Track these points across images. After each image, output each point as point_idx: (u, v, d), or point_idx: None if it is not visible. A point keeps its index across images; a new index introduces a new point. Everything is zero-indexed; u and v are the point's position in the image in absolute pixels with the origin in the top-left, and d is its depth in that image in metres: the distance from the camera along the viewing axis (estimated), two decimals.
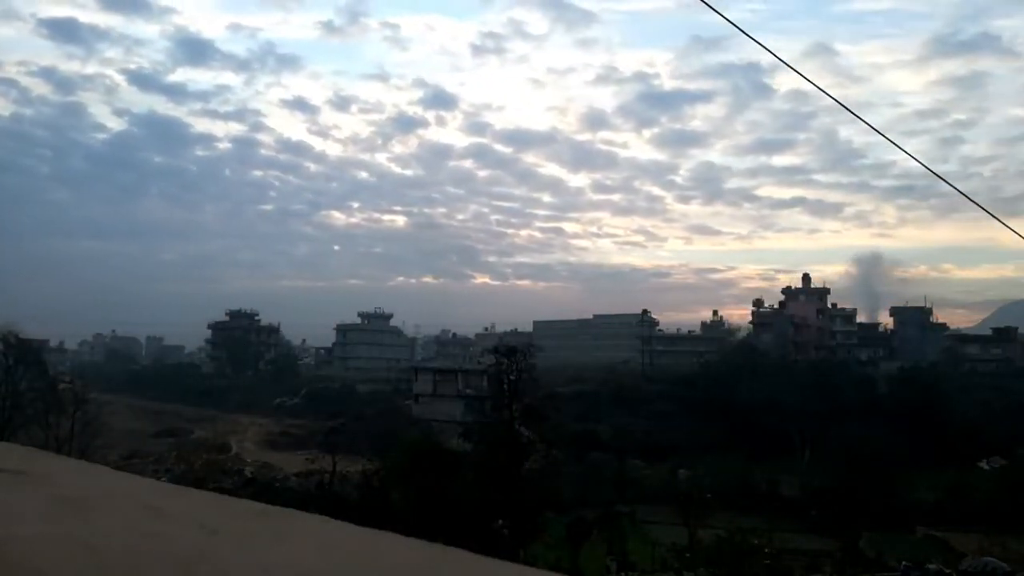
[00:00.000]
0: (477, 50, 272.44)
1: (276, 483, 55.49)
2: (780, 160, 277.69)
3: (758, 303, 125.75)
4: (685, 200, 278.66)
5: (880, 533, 47.82)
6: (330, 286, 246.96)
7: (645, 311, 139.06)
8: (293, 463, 62.06)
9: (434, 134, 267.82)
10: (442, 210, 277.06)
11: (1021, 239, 8.19)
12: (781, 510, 53.19)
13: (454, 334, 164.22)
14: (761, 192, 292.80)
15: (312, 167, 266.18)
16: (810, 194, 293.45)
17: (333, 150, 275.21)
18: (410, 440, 46.54)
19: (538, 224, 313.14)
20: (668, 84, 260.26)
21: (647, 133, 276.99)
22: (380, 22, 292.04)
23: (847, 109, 8.44)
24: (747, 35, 7.33)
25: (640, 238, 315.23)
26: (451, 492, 37.99)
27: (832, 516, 48.87)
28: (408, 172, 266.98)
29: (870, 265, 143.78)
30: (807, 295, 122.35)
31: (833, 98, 8.59)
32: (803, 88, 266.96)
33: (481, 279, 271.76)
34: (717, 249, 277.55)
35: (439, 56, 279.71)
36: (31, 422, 49.07)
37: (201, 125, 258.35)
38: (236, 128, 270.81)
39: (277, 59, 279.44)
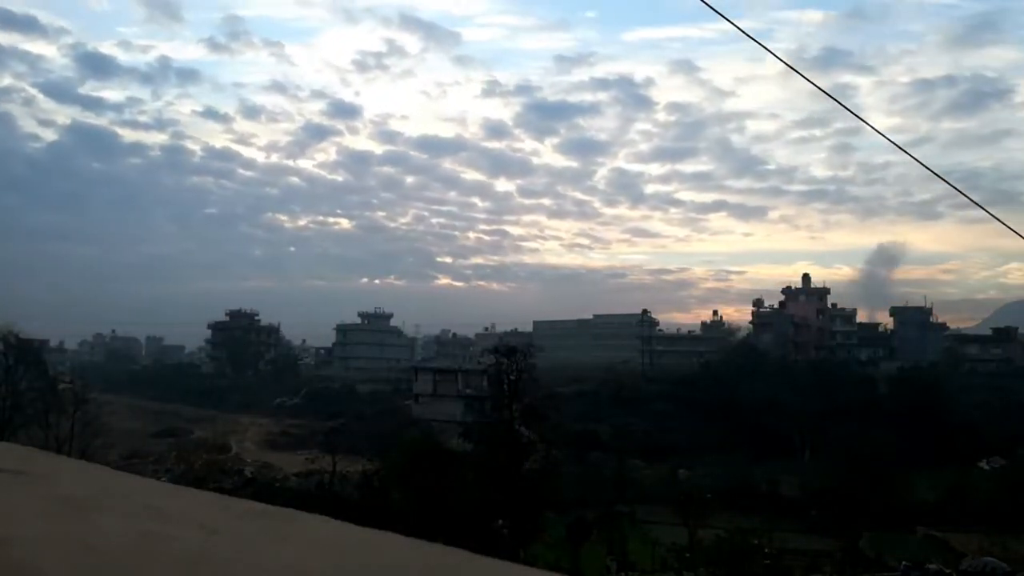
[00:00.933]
0: (361, 66, 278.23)
1: (276, 483, 55.55)
2: (687, 167, 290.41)
3: (758, 303, 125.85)
4: (612, 204, 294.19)
5: (880, 533, 47.86)
6: (292, 287, 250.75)
7: (645, 311, 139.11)
8: (293, 463, 62.12)
9: (349, 142, 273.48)
10: (381, 214, 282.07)
11: (1022, 238, 8.18)
12: (781, 510, 53.20)
13: (454, 334, 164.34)
14: (683, 196, 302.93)
15: (245, 173, 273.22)
16: (730, 198, 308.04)
17: (259, 157, 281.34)
18: (410, 440, 46.58)
19: (482, 227, 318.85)
20: (552, 97, 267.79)
21: (550, 142, 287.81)
22: (262, 39, 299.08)
23: (849, 110, 8.44)
24: (750, 37, 7.34)
25: (585, 240, 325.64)
26: (451, 492, 38.00)
27: (832, 516, 48.89)
28: (338, 178, 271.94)
29: (882, 263, 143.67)
30: (807, 295, 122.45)
31: (835, 99, 8.59)
32: (681, 101, 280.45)
33: (444, 280, 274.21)
34: (661, 251, 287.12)
35: (327, 71, 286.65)
36: (31, 422, 49.11)
37: (128, 135, 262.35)
38: (161, 137, 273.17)
39: (177, 73, 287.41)
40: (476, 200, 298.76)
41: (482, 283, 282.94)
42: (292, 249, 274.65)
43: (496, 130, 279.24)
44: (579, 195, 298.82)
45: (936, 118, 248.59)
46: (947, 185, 8.46)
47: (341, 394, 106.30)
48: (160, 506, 2.42)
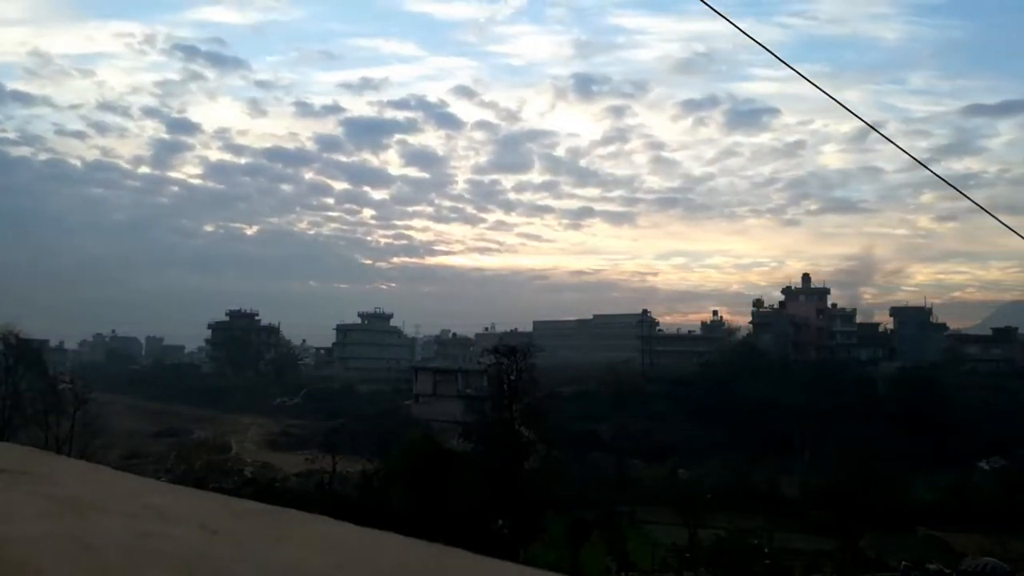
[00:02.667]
0: (168, 85, 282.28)
1: (276, 483, 55.46)
2: (532, 177, 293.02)
3: (758, 303, 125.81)
4: (487, 211, 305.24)
5: (880, 533, 47.83)
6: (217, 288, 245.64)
7: (645, 311, 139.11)
8: (293, 463, 62.09)
9: (208, 154, 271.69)
10: (275, 220, 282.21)
11: (1021, 238, 8.19)
12: (781, 510, 53.16)
13: (454, 334, 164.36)
14: (553, 204, 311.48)
15: (131, 183, 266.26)
16: (596, 206, 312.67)
17: (136, 167, 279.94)
18: (410, 440, 46.53)
19: (391, 232, 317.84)
20: (366, 113, 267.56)
21: (392, 153, 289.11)
22: (61, 54, 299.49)
23: (852, 112, 8.45)
24: (749, 36, 7.34)
25: (490, 244, 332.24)
26: (451, 492, 37.98)
27: (832, 516, 48.80)
28: (221, 186, 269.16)
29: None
30: (807, 295, 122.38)
31: (837, 100, 8.60)
32: (484, 119, 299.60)
33: (385, 284, 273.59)
34: (562, 253, 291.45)
35: (140, 94, 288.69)
36: (31, 422, 49.10)
37: (9, 151, 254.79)
38: (28, 150, 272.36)
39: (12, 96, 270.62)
40: (366, 210, 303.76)
41: (427, 288, 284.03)
42: (218, 253, 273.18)
43: (332, 144, 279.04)
44: (449, 203, 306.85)
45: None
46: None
47: (341, 394, 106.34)
48: (160, 506, 2.42)
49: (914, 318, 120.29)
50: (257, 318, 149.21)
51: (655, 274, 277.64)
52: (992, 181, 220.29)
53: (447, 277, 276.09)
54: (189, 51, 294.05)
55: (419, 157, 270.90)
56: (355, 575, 1.98)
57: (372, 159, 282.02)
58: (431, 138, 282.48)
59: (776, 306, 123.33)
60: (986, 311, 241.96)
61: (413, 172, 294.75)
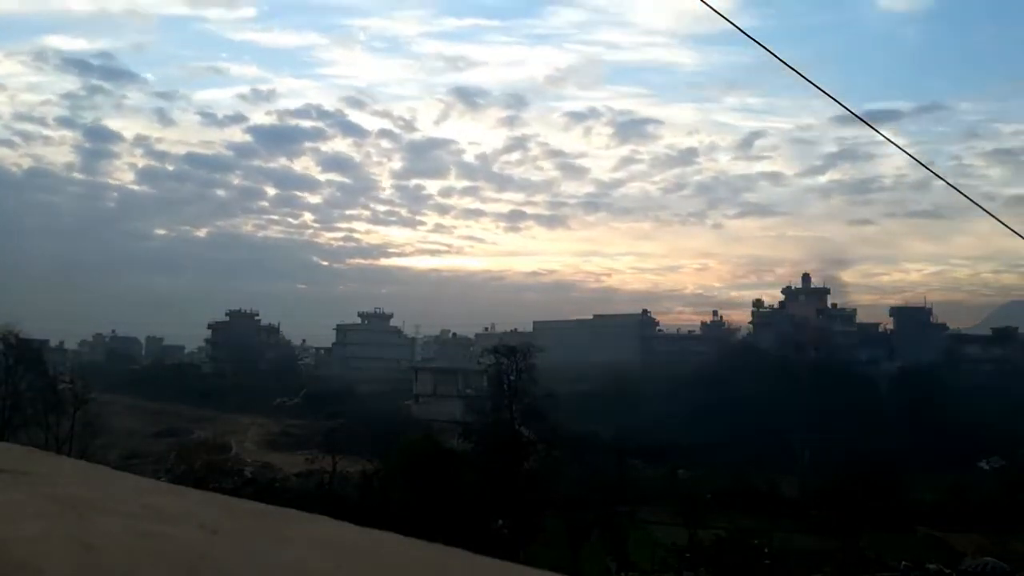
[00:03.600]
0: (74, 97, 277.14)
1: (276, 483, 55.49)
2: (453, 183, 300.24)
3: (758, 303, 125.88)
4: (422, 214, 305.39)
5: (880, 533, 47.87)
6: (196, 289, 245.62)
7: (645, 311, 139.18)
8: (293, 463, 62.14)
9: (135, 161, 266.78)
10: (221, 223, 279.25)
11: (1021, 238, 8.19)
12: (781, 510, 53.21)
13: (454, 334, 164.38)
14: (485, 208, 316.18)
15: (73, 189, 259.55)
16: (528, 210, 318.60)
17: (69, 173, 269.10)
18: (410, 440, 46.52)
19: (338, 234, 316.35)
20: (269, 122, 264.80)
21: (308, 160, 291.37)
22: None
23: (853, 113, 8.45)
24: (749, 36, 7.34)
25: (439, 247, 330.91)
26: (451, 492, 37.99)
27: (832, 516, 48.88)
28: (156, 191, 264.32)
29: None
30: (807, 295, 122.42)
31: (837, 102, 8.59)
32: (386, 127, 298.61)
33: (347, 286, 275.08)
34: (509, 255, 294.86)
35: (51, 106, 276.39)
36: (31, 422, 49.04)
37: None
38: None
39: None
40: (293, 210, 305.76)
41: (385, 290, 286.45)
42: (187, 254, 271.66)
43: (247, 151, 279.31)
44: (383, 207, 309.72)
45: None
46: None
47: (341, 394, 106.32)
48: (160, 506, 2.42)
49: (914, 318, 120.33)
50: (257, 318, 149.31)
51: (608, 275, 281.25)
52: (892, 186, 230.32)
53: (407, 279, 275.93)
54: (82, 66, 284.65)
55: (337, 163, 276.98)
56: (355, 575, 1.98)
57: (293, 165, 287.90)
58: (341, 145, 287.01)
59: (776, 306, 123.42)
60: (986, 311, 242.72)
61: (336, 177, 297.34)
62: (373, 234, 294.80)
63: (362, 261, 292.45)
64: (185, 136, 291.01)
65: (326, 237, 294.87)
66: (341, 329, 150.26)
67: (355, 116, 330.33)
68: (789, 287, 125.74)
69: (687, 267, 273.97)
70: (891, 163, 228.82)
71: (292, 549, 2.06)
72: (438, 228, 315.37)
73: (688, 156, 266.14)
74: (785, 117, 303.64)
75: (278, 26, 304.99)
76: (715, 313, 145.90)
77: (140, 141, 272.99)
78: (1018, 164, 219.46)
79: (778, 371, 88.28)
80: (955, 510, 52.55)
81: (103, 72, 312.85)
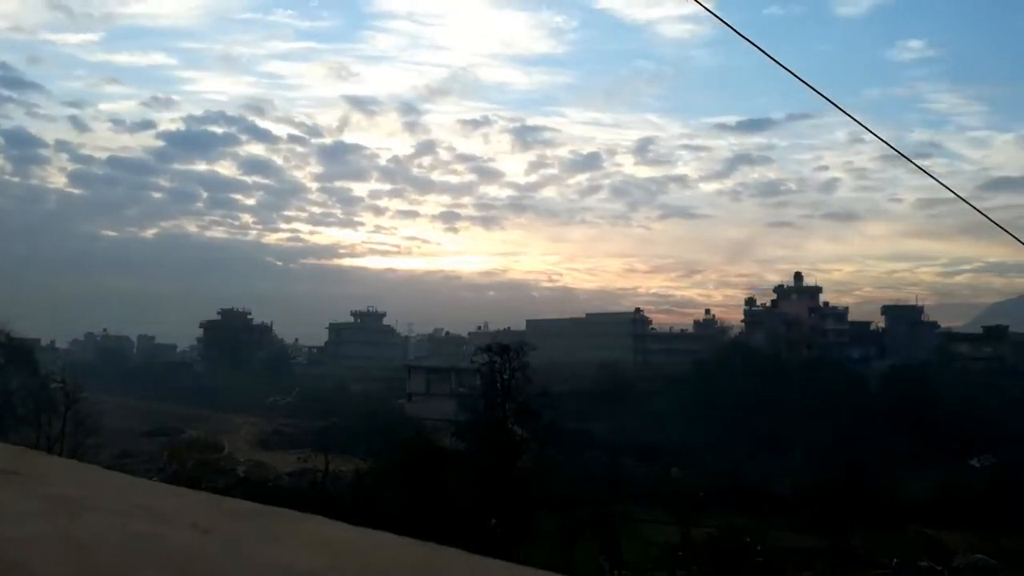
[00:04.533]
0: None
1: (269, 482, 55.37)
2: (378, 185, 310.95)
3: (750, 302, 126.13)
4: (358, 215, 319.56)
5: (872, 531, 48.02)
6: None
7: (638, 310, 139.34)
8: (286, 462, 61.99)
9: (65, 165, 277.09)
10: (166, 224, 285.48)
11: (1021, 243, 8.22)
12: (773, 508, 53.26)
13: (447, 333, 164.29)
14: (419, 209, 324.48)
15: (14, 191, 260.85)
16: (462, 212, 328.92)
17: (6, 177, 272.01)
18: (403, 439, 46.54)
19: (283, 235, 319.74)
20: (179, 128, 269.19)
21: (230, 163, 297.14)
22: None
23: (853, 117, 8.46)
24: (744, 37, 7.35)
25: (389, 248, 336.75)
26: (444, 491, 37.97)
27: (824, 514, 49.01)
28: (90, 193, 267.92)
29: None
30: (799, 294, 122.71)
31: (831, 102, 8.61)
32: (294, 133, 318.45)
33: (304, 285, 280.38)
34: (456, 255, 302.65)
35: None
36: (22, 421, 48.87)
37: None
38: None
39: None
40: (231, 211, 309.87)
41: (341, 289, 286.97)
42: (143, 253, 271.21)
43: (165, 155, 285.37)
44: (318, 209, 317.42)
45: None
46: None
47: (334, 393, 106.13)
48: (152, 506, 2.41)
49: (905, 316, 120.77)
50: (249, 317, 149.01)
51: (560, 275, 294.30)
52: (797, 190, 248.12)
53: (366, 279, 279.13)
54: None
55: (258, 167, 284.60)
56: (348, 574, 1.98)
57: (217, 169, 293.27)
58: (257, 149, 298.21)
59: (768, 304, 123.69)
60: (977, 309, 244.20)
61: (261, 180, 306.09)
62: (318, 235, 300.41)
63: (315, 261, 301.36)
64: (103, 142, 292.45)
65: (273, 238, 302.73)
66: (334, 328, 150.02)
67: (261, 122, 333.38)
68: (781, 286, 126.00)
69: (624, 267, 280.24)
70: (789, 168, 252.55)
71: (285, 548, 2.06)
72: (379, 229, 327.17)
73: (593, 161, 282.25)
74: (643, 128, 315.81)
75: (130, 48, 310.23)
76: (707, 311, 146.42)
77: (63, 146, 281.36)
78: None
79: (770, 369, 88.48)
80: (946, 508, 52.68)
81: (6, 82, 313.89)
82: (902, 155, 8.86)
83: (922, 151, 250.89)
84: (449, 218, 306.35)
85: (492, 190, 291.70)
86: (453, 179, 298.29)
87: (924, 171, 8.83)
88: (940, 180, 9.10)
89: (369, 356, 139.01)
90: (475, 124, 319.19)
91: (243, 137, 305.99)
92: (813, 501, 52.20)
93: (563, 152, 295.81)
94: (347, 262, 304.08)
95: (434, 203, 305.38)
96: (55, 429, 47.72)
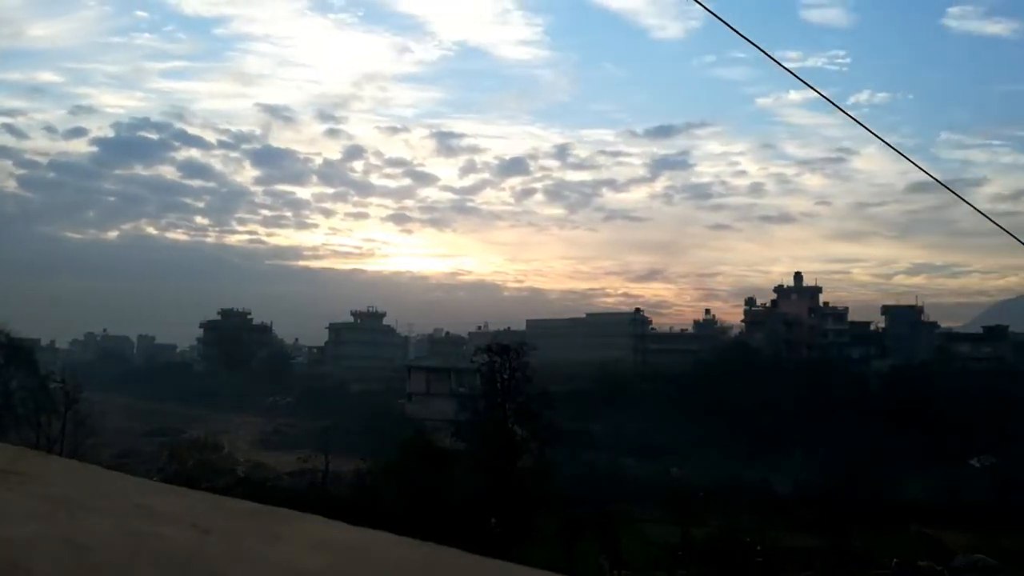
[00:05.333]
0: None
1: (268, 482, 55.36)
2: (319, 189, 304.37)
3: (750, 302, 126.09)
4: (310, 217, 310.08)
5: (872, 531, 48.04)
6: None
7: (638, 310, 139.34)
8: (286, 462, 62.01)
9: (10, 169, 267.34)
10: (128, 227, 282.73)
11: (1022, 243, 8.23)
12: (773, 508, 53.29)
13: (447, 333, 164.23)
14: (368, 212, 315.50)
15: None
16: (410, 214, 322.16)
17: None
18: (403, 439, 46.50)
19: (243, 237, 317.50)
20: (109, 135, 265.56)
21: (169, 167, 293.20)
22: None
23: (854, 118, 8.47)
24: (743, 36, 7.35)
25: (350, 249, 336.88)
26: (444, 491, 37.98)
27: (824, 514, 49.04)
28: (42, 197, 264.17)
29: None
30: (799, 294, 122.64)
31: (837, 105, 8.62)
32: (205, 137, 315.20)
33: (272, 287, 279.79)
34: (418, 256, 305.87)
35: None
36: (22, 422, 48.81)
37: None
38: None
39: None
40: (183, 215, 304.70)
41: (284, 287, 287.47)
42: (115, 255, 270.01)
43: (106, 160, 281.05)
44: (270, 212, 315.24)
45: None
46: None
47: (334, 393, 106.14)
48: (152, 506, 2.41)
49: (905, 316, 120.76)
50: (249, 317, 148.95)
51: (525, 276, 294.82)
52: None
53: (336, 279, 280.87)
54: None
55: (197, 171, 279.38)
56: (348, 574, 1.98)
57: (160, 173, 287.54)
58: (193, 154, 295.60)
59: (768, 304, 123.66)
60: (977, 309, 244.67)
61: (203, 183, 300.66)
62: (276, 236, 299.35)
63: (280, 262, 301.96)
64: (43, 147, 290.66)
65: (234, 239, 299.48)
66: (334, 328, 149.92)
67: (191, 129, 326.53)
68: (781, 286, 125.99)
69: (573, 269, 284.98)
70: (712, 172, 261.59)
71: (284, 548, 2.06)
72: (335, 231, 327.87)
73: (519, 165, 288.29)
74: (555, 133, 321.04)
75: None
76: (707, 311, 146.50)
77: (4, 152, 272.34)
78: None
79: (770, 369, 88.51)
80: (946, 508, 52.71)
81: None
82: (903, 156, 8.85)
83: (837, 157, 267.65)
84: (400, 220, 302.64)
85: (432, 193, 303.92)
86: (391, 183, 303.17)
87: (926, 173, 8.84)
88: (942, 182, 9.10)
89: (369, 356, 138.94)
90: (393, 130, 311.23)
91: (176, 143, 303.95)
92: (813, 501, 52.24)
93: (488, 157, 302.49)
94: (314, 263, 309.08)
95: (379, 206, 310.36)
96: (55, 429, 47.69)
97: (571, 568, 37.98)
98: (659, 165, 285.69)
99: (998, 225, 8.69)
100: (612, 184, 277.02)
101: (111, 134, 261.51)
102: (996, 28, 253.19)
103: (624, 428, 75.33)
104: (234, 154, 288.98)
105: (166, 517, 2.27)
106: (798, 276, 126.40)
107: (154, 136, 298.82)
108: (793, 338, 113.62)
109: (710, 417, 75.04)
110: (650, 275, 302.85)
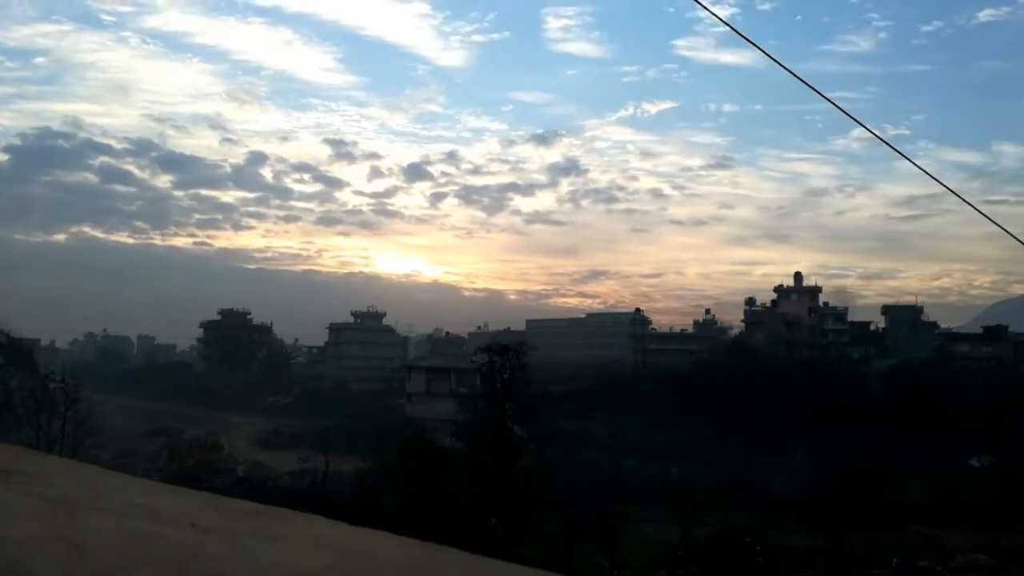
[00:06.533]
0: None
1: (268, 482, 55.44)
2: (240, 193, 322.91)
3: (750, 302, 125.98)
4: (241, 220, 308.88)
5: (872, 531, 48.02)
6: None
7: (638, 309, 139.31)
8: (285, 462, 62.02)
9: None
10: (75, 229, 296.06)
11: (1022, 243, 8.23)
12: (773, 508, 53.26)
13: (447, 333, 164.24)
14: (301, 215, 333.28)
15: None
16: (342, 218, 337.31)
17: None
18: (403, 439, 46.49)
19: (182, 240, 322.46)
20: (15, 143, 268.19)
21: (88, 173, 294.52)
22: None
23: (853, 118, 8.46)
24: (737, 32, 7.36)
25: (295, 250, 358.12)
26: (444, 491, 37.96)
27: (824, 514, 49.01)
28: None
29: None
30: (799, 294, 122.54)
31: (831, 102, 8.61)
32: (112, 144, 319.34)
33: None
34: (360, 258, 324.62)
35: None
36: (22, 421, 48.89)
37: None
38: None
39: None
40: (125, 219, 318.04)
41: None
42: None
43: (23, 167, 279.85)
44: (202, 216, 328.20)
45: None
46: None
47: (333, 393, 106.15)
48: (152, 505, 2.41)
49: (905, 316, 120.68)
50: (249, 317, 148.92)
51: (476, 277, 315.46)
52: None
53: (291, 282, 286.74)
54: None
55: (116, 176, 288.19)
56: (348, 574, 1.98)
57: (86, 178, 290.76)
58: (105, 160, 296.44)
59: (768, 304, 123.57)
60: (977, 309, 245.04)
61: (123, 188, 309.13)
62: (216, 239, 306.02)
63: (236, 264, 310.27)
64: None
65: (180, 242, 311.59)
66: (334, 328, 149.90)
67: (87, 134, 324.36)
68: (781, 286, 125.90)
69: (501, 270, 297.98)
70: (607, 177, 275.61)
71: (285, 548, 2.06)
72: (271, 233, 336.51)
73: (419, 171, 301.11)
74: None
75: None
76: (707, 311, 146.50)
77: None
78: None
79: (770, 369, 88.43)
80: (946, 507, 52.68)
81: None
82: (905, 157, 8.86)
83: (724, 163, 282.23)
84: (329, 222, 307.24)
85: (348, 197, 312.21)
86: (306, 188, 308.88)
87: (927, 173, 8.84)
88: (944, 183, 9.10)
89: (369, 356, 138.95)
90: (285, 136, 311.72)
91: (85, 151, 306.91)
92: (813, 501, 52.18)
93: (389, 162, 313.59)
94: (266, 266, 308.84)
95: (303, 208, 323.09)
96: (55, 429, 47.74)
97: (571, 568, 37.96)
98: (555, 171, 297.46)
99: (998, 225, 8.69)
100: (517, 188, 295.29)
101: (18, 143, 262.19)
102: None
103: (624, 428, 75.23)
104: (143, 161, 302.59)
105: (166, 517, 2.27)
106: (798, 276, 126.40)
107: (68, 144, 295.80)
108: (793, 338, 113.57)
109: (710, 417, 74.95)
110: (593, 276, 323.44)
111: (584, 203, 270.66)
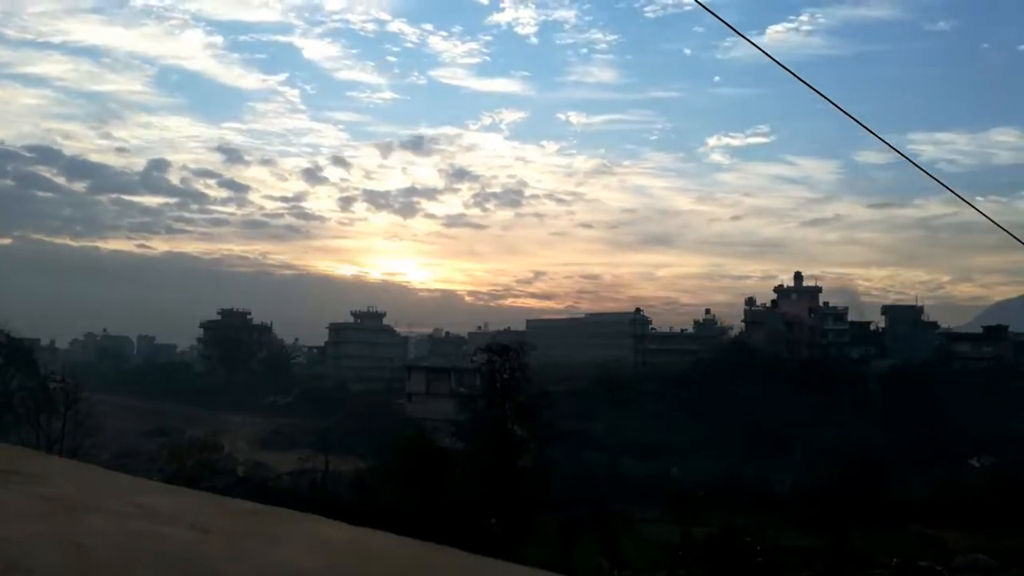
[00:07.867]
0: None
1: (268, 482, 55.43)
2: (179, 199, 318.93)
3: (750, 302, 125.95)
4: (191, 223, 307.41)
5: (872, 531, 48.00)
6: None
7: (638, 309, 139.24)
8: (285, 462, 61.97)
9: None
10: (38, 236, 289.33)
11: (1021, 243, 8.23)
12: (773, 507, 53.27)
13: (447, 333, 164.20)
14: (227, 217, 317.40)
15: None
16: (262, 219, 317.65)
17: None
18: (403, 439, 46.47)
19: (125, 243, 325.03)
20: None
21: (7, 180, 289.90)
22: None
23: (859, 121, 8.46)
24: (752, 43, 7.35)
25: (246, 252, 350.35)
26: (444, 491, 37.95)
27: (824, 514, 49.00)
28: None
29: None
30: (799, 294, 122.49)
31: (835, 104, 8.61)
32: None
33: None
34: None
35: None
36: (22, 421, 48.86)
37: None
38: None
39: None
40: (70, 224, 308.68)
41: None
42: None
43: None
44: (146, 219, 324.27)
45: None
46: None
47: (334, 393, 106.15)
48: (152, 505, 2.41)
49: (905, 316, 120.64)
50: (249, 317, 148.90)
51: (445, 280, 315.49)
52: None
53: (245, 282, 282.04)
54: None
55: (36, 182, 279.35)
56: (347, 574, 1.98)
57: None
58: (19, 167, 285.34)
59: (768, 304, 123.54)
60: (977, 310, 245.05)
61: (48, 195, 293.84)
62: (158, 241, 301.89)
63: (193, 266, 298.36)
64: None
65: (128, 245, 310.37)
66: (334, 328, 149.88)
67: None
68: (781, 285, 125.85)
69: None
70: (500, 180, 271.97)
71: (284, 548, 2.06)
72: (230, 236, 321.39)
73: (316, 173, 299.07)
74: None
75: None
76: (707, 311, 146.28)
77: None
78: None
79: (770, 369, 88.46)
80: (946, 507, 52.67)
81: None
82: (918, 166, 8.86)
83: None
84: (254, 226, 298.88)
85: (264, 202, 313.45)
86: (222, 193, 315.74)
87: (933, 177, 8.83)
88: (945, 184, 9.10)
89: (369, 356, 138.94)
90: (176, 144, 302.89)
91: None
92: (813, 501, 52.18)
93: (289, 165, 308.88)
94: (218, 268, 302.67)
95: (224, 212, 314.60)
96: (55, 429, 47.70)
97: (571, 568, 37.96)
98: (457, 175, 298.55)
99: (999, 226, 8.69)
100: (431, 191, 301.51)
101: None
102: None
103: (624, 428, 75.28)
104: (55, 168, 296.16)
105: (166, 517, 2.27)
106: (798, 276, 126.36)
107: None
108: (793, 338, 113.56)
109: (710, 417, 75.04)
110: (536, 276, 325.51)
111: (489, 206, 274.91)
